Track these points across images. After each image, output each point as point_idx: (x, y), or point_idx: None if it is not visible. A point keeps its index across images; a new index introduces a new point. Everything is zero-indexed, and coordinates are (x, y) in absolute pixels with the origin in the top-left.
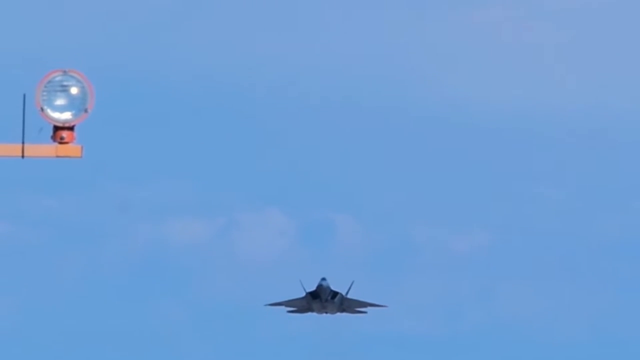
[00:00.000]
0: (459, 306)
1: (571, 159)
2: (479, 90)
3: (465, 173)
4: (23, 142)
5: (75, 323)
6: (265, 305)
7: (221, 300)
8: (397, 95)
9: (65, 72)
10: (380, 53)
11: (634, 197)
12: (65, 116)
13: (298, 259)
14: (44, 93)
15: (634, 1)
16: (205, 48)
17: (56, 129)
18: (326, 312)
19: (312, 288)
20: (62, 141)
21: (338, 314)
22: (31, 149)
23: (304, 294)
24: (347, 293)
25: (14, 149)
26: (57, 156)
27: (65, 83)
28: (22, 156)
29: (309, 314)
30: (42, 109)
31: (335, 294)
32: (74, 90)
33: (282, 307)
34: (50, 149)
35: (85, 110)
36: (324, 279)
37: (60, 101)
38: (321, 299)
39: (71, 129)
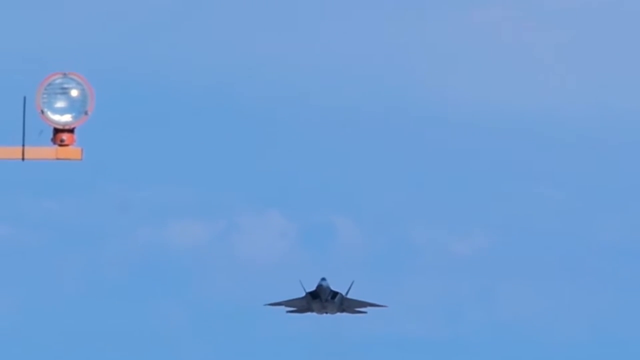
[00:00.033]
0: (459, 307)
1: (571, 160)
2: (479, 90)
3: (465, 173)
4: (23, 145)
5: (76, 324)
6: (265, 305)
7: (221, 300)
8: (397, 96)
9: (65, 75)
10: (380, 53)
11: (634, 198)
12: (66, 119)
13: (298, 261)
14: (44, 95)
15: (634, 1)
16: (205, 48)
17: (56, 131)
18: (326, 312)
19: (312, 288)
20: (62, 144)
21: (338, 314)
22: (31, 152)
23: (303, 294)
24: (347, 293)
25: (14, 151)
26: (57, 159)
27: (65, 85)
28: (23, 159)
29: (309, 314)
30: (42, 112)
31: (335, 293)
32: (74, 93)
33: (282, 307)
34: (51, 151)
35: (86, 113)
36: (323, 279)
37: (60, 104)
38: (321, 299)
39: (71, 131)
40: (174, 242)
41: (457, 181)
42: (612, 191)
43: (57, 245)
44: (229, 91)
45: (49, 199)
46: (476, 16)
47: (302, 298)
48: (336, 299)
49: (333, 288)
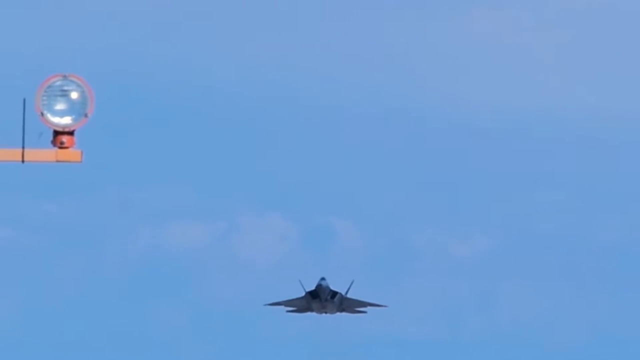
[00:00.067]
0: (459, 308)
1: (571, 161)
2: (479, 91)
3: (465, 175)
4: (23, 147)
5: (77, 326)
6: (265, 305)
7: (221, 300)
8: (397, 97)
9: (65, 77)
10: (380, 53)
11: (634, 198)
12: (65, 121)
13: (298, 261)
14: (44, 98)
15: (634, 1)
16: (205, 49)
17: (56, 133)
18: (326, 312)
19: (312, 288)
20: (62, 146)
21: (338, 313)
22: (31, 154)
23: (303, 294)
24: (346, 293)
25: (14, 153)
26: (57, 161)
27: (65, 88)
28: (22, 161)
29: (309, 313)
30: (42, 114)
31: (334, 293)
32: (74, 95)
33: (282, 307)
34: (50, 153)
35: (85, 115)
36: (323, 278)
37: (60, 106)
38: (321, 298)
39: (71, 133)
40: (174, 244)
41: (457, 182)
42: (612, 191)
43: (57, 247)
44: (229, 92)
45: (49, 201)
46: (476, 16)
47: (302, 298)
48: (336, 299)
49: (333, 288)
